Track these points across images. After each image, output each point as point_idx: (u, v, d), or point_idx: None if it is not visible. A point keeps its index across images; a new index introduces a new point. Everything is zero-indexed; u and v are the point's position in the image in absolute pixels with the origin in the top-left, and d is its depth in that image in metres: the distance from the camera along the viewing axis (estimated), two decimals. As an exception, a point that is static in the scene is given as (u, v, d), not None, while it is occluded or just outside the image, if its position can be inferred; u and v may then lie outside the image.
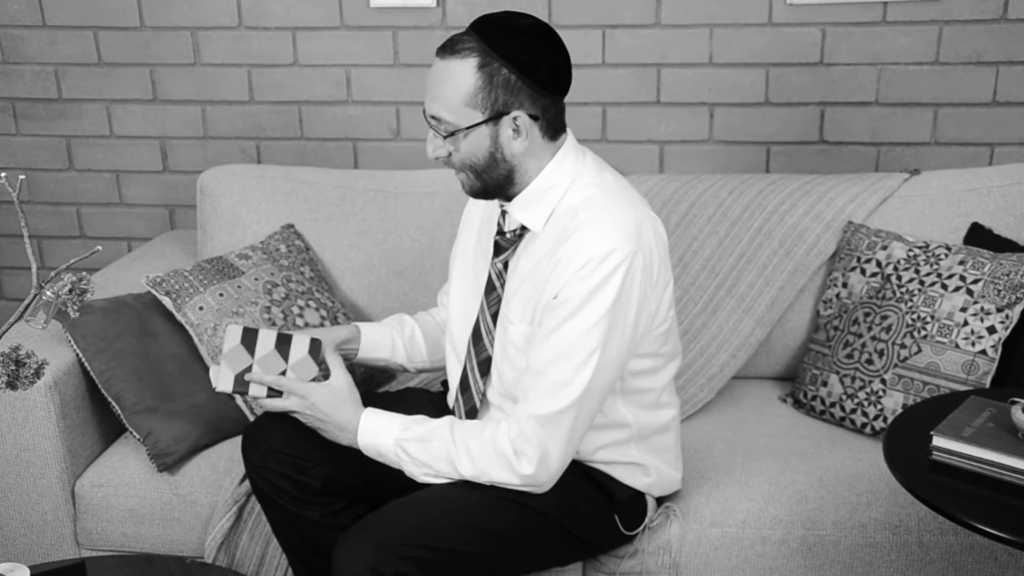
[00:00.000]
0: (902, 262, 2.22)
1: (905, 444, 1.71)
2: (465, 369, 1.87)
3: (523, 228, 1.78)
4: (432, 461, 1.75)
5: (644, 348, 1.78)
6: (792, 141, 2.65)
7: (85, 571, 1.69)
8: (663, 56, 2.62)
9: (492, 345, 1.83)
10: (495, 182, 1.75)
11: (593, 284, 1.66)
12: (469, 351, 1.86)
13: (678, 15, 2.58)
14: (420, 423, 1.77)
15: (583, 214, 1.71)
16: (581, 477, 1.82)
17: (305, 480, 1.85)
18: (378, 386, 2.38)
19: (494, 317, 1.83)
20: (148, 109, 2.87)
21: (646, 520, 1.92)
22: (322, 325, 2.31)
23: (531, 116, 1.69)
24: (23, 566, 1.62)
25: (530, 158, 1.73)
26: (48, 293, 1.43)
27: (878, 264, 2.24)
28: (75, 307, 1.43)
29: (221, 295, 2.25)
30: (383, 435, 1.77)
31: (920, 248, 2.23)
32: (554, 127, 1.74)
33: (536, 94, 1.69)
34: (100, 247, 1.56)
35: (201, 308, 2.22)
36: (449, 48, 1.69)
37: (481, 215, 1.92)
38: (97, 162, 2.95)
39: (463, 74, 1.67)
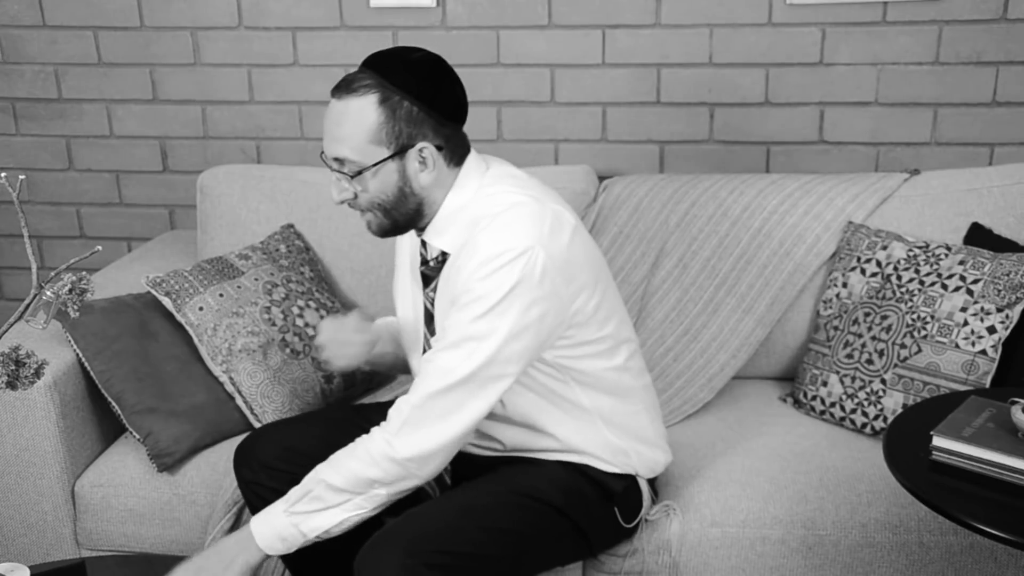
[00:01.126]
0: (902, 262, 2.22)
1: (905, 444, 1.71)
2: None
3: (443, 254, 1.77)
4: (332, 499, 1.70)
5: (581, 336, 1.75)
6: (792, 141, 2.65)
7: (85, 571, 1.69)
8: (663, 56, 2.62)
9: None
10: (405, 217, 1.74)
11: (483, 276, 1.64)
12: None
13: (678, 15, 2.58)
14: (291, 492, 1.73)
15: (484, 222, 1.70)
16: (576, 474, 1.82)
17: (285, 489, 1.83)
18: (378, 386, 2.38)
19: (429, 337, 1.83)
20: (148, 109, 2.87)
21: (643, 512, 1.92)
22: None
23: (436, 147, 1.69)
24: (23, 566, 1.62)
25: (437, 188, 1.72)
26: (48, 293, 1.43)
27: (878, 264, 2.24)
28: (75, 307, 1.43)
29: (221, 295, 2.25)
30: (273, 521, 1.71)
31: (920, 248, 2.23)
32: (458, 154, 1.74)
33: (438, 124, 1.69)
34: (100, 247, 1.56)
35: (201, 308, 2.22)
36: (345, 87, 1.67)
37: (409, 248, 1.89)
38: (97, 162, 2.95)
39: (364, 111, 1.65)
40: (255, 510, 1.88)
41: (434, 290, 1.80)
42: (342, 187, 1.71)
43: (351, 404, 2.21)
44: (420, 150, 1.68)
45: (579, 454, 1.83)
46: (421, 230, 1.78)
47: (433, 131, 1.69)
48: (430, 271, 1.80)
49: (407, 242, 1.90)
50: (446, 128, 1.70)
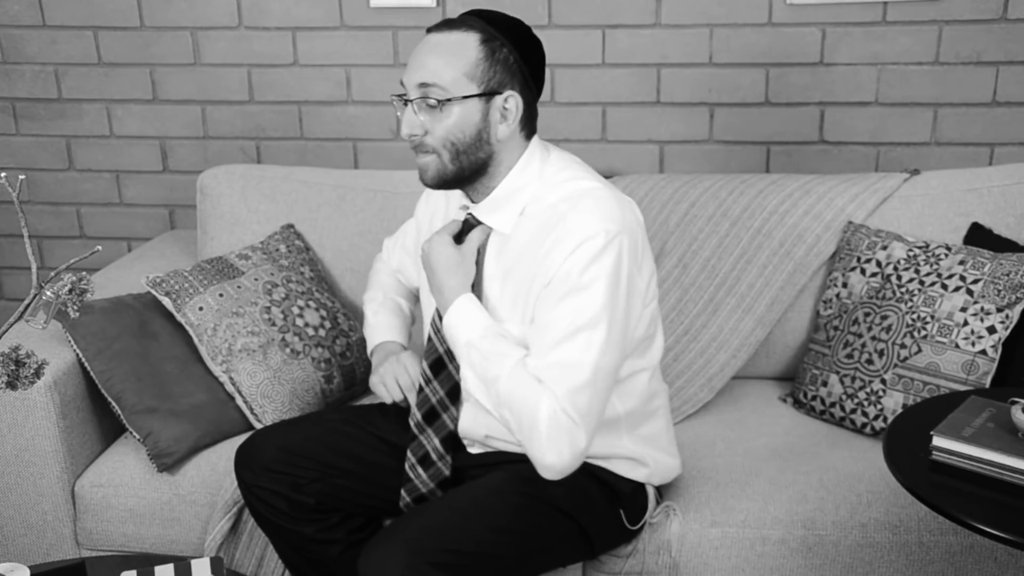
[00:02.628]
0: (902, 262, 2.22)
1: (905, 444, 1.71)
2: (437, 351, 1.85)
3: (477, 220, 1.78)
4: (486, 383, 1.71)
5: (636, 332, 1.77)
6: (792, 141, 2.65)
7: (85, 571, 1.69)
8: (663, 56, 2.62)
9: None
10: (471, 167, 1.72)
11: (583, 264, 1.64)
12: (437, 332, 1.86)
13: (678, 15, 2.58)
14: (496, 339, 1.72)
15: (563, 205, 1.70)
16: (585, 474, 1.82)
17: (298, 497, 1.84)
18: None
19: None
20: (148, 109, 2.87)
21: (647, 514, 1.92)
22: (322, 325, 2.31)
23: (523, 102, 1.70)
24: (23, 566, 1.62)
25: (506, 150, 1.72)
26: (48, 293, 1.43)
27: (878, 264, 2.24)
28: (75, 307, 1.43)
29: (221, 295, 2.25)
30: (462, 330, 1.73)
31: (920, 248, 2.23)
32: (530, 125, 1.75)
33: (526, 82, 1.70)
34: (100, 247, 1.56)
35: (201, 308, 2.22)
36: (447, 24, 1.69)
37: (436, 214, 1.91)
38: (97, 162, 2.95)
39: (465, 44, 1.66)
40: (256, 513, 1.88)
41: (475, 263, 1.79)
42: (416, 120, 1.68)
43: (350, 405, 2.21)
44: (506, 99, 1.68)
45: (591, 457, 1.82)
46: (470, 191, 1.77)
47: (521, 86, 1.70)
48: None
49: (432, 210, 1.92)
50: (530, 91, 1.72)
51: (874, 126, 2.60)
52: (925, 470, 1.66)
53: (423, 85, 1.67)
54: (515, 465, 1.80)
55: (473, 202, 1.79)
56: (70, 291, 1.43)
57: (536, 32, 1.76)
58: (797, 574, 1.94)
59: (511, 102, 1.69)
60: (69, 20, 2.81)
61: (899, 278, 2.20)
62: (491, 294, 1.78)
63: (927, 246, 2.23)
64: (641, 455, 1.85)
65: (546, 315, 1.68)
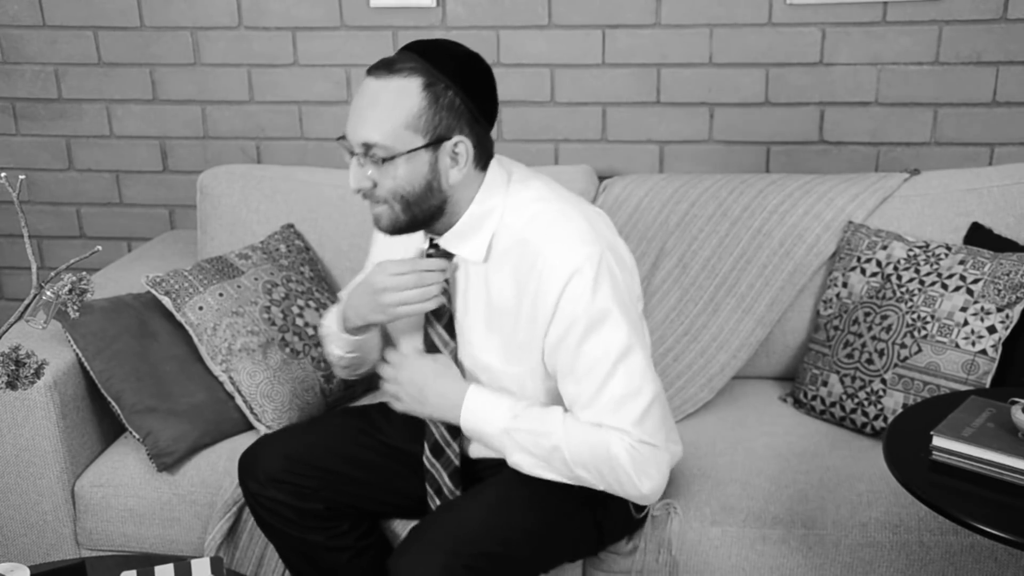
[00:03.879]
0: (902, 262, 2.22)
1: (905, 444, 1.71)
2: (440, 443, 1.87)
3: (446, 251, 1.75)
4: (547, 458, 1.68)
5: None
6: (792, 141, 2.65)
7: (85, 571, 1.69)
8: (663, 56, 2.62)
9: (456, 357, 1.82)
10: (424, 214, 1.67)
11: (587, 298, 1.62)
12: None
13: (678, 15, 2.58)
14: (529, 413, 1.69)
15: (535, 238, 1.66)
16: None
17: (306, 505, 1.83)
18: (378, 386, 2.38)
19: (453, 337, 1.80)
20: (148, 109, 2.87)
21: (650, 506, 1.92)
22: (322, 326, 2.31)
23: (471, 143, 1.64)
24: (23, 566, 1.62)
25: (463, 188, 1.67)
26: (48, 293, 1.43)
27: (878, 264, 2.24)
28: (75, 307, 1.43)
29: (221, 295, 2.25)
30: (490, 421, 1.70)
31: (920, 248, 2.23)
32: (485, 157, 1.69)
33: (474, 120, 1.64)
34: (100, 247, 1.56)
35: (201, 308, 2.22)
36: (386, 67, 1.61)
37: (402, 248, 1.84)
38: (97, 162, 2.95)
39: (406, 93, 1.59)
40: (262, 522, 1.87)
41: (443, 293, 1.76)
42: (362, 175, 1.63)
43: (350, 407, 2.19)
44: (455, 144, 1.62)
45: None
46: (435, 232, 1.73)
47: (469, 127, 1.63)
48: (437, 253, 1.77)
49: (387, 242, 1.87)
50: (479, 127, 1.65)
51: (874, 126, 2.60)
52: (925, 470, 1.66)
53: (365, 144, 1.61)
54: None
55: (437, 234, 1.75)
56: (70, 291, 1.43)
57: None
58: (797, 574, 1.94)
59: (460, 147, 1.63)
60: (69, 20, 2.81)
61: (899, 278, 2.20)
62: (473, 331, 1.77)
63: (927, 246, 2.23)
64: None
65: (575, 362, 1.66)
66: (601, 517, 1.83)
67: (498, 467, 1.81)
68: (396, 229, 1.70)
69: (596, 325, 1.63)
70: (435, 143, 1.61)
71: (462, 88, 1.61)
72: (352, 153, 1.65)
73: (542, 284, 1.64)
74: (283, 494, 1.82)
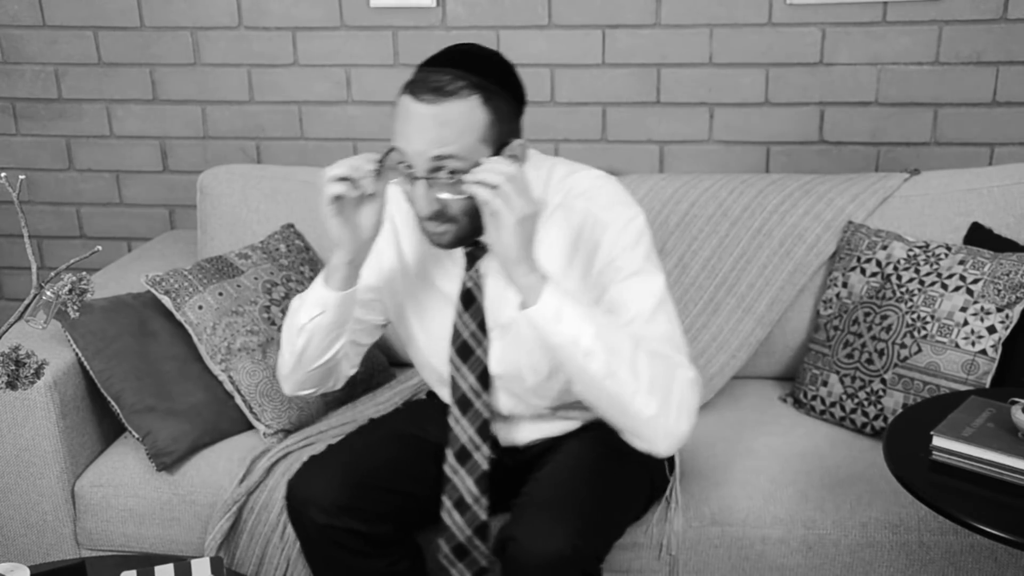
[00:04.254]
0: (902, 262, 2.22)
1: (905, 444, 1.71)
2: (460, 387, 1.81)
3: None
4: (617, 350, 1.56)
5: None
6: (792, 141, 2.65)
7: (85, 571, 1.69)
8: (663, 56, 2.62)
9: (487, 355, 1.78)
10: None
11: (631, 247, 1.66)
12: (458, 369, 1.80)
13: (678, 15, 2.58)
14: (606, 314, 1.63)
15: (582, 203, 1.70)
16: None
17: (376, 531, 1.77)
18: (377, 386, 2.38)
19: (481, 327, 1.77)
20: (148, 109, 2.87)
21: (676, 467, 1.97)
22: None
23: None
24: (23, 566, 1.62)
25: None
26: (48, 293, 1.43)
27: (878, 264, 2.24)
28: (75, 307, 1.43)
29: (220, 294, 2.25)
30: (578, 302, 1.57)
31: (920, 248, 2.23)
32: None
33: (519, 117, 1.66)
34: (100, 247, 1.56)
35: (200, 307, 2.22)
36: (440, 92, 1.55)
37: (398, 236, 1.82)
38: (97, 162, 2.95)
39: (472, 112, 1.56)
40: (320, 555, 1.78)
41: (477, 269, 1.75)
42: (432, 197, 1.58)
43: (375, 419, 2.05)
44: (515, 146, 1.63)
45: None
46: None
47: (519, 126, 1.65)
48: (479, 251, 1.74)
49: (390, 232, 1.82)
50: (520, 119, 1.67)
51: (874, 126, 2.60)
52: (925, 470, 1.66)
53: (440, 158, 1.56)
54: (587, 433, 1.83)
55: None
56: (70, 291, 1.43)
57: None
58: (797, 574, 1.94)
59: (518, 148, 1.63)
60: (69, 20, 2.81)
61: (899, 278, 2.20)
62: (493, 296, 1.75)
63: (927, 246, 2.23)
64: None
65: (619, 297, 1.64)
66: (652, 475, 1.88)
67: (540, 454, 1.83)
68: (460, 242, 1.68)
69: (640, 271, 1.65)
70: (498, 151, 1.61)
71: (509, 92, 1.62)
72: (414, 178, 1.59)
73: (595, 238, 1.67)
74: (356, 522, 1.74)
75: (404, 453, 1.87)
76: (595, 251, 1.67)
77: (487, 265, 1.75)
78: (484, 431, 1.81)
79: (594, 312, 1.59)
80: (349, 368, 1.88)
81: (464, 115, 1.56)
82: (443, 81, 1.56)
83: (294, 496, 1.78)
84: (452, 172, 1.56)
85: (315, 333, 1.74)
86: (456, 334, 1.78)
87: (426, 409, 1.99)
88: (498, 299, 1.75)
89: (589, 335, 1.54)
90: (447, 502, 1.83)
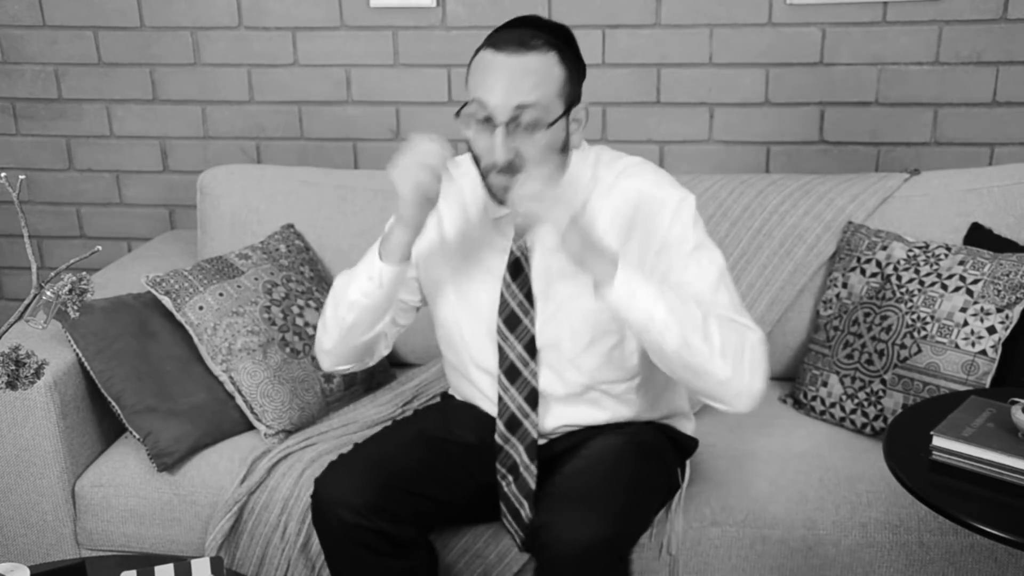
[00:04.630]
0: (902, 262, 2.22)
1: (905, 444, 1.71)
2: (508, 357, 1.82)
3: None
4: (691, 324, 1.63)
5: None
6: (792, 141, 2.65)
7: (85, 571, 1.69)
8: (663, 56, 2.62)
9: (533, 324, 1.80)
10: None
11: (690, 225, 1.73)
12: (506, 339, 1.81)
13: (678, 15, 2.58)
14: (674, 288, 1.69)
15: (634, 184, 1.76)
16: (656, 430, 1.91)
17: (400, 532, 1.76)
18: (378, 386, 2.38)
19: (528, 297, 1.80)
20: (148, 109, 2.87)
21: (687, 468, 1.99)
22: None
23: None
24: (23, 566, 1.62)
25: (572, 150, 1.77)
26: (48, 293, 1.43)
27: (878, 264, 2.24)
28: (75, 307, 1.43)
29: (221, 295, 2.25)
30: (649, 282, 1.64)
31: (920, 248, 2.23)
32: None
33: (582, 84, 1.74)
34: (100, 247, 1.56)
35: (201, 308, 2.22)
36: (521, 44, 1.64)
37: (439, 213, 1.84)
38: (97, 162, 2.95)
39: (551, 66, 1.66)
40: (346, 555, 1.77)
41: (525, 240, 1.78)
42: (510, 144, 1.65)
43: (398, 421, 2.07)
44: (580, 109, 1.72)
45: (662, 417, 1.93)
46: None
47: (581, 92, 1.74)
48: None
49: (458, 195, 1.84)
50: (582, 89, 1.75)
51: (874, 126, 2.60)
52: (925, 470, 1.66)
53: (522, 107, 1.64)
54: (617, 430, 1.85)
55: None
56: (70, 291, 1.43)
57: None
58: (797, 574, 1.94)
59: (581, 112, 1.72)
60: (69, 20, 2.81)
61: (899, 278, 2.20)
62: (565, 283, 1.77)
63: (927, 246, 2.23)
64: (688, 411, 1.99)
65: (683, 274, 1.71)
66: (669, 476, 1.90)
67: (565, 450, 1.85)
68: None
69: (701, 246, 1.73)
70: (567, 110, 1.69)
71: (576, 58, 1.71)
72: (495, 125, 1.65)
73: (650, 216, 1.73)
74: (384, 522, 1.74)
75: (430, 456, 1.86)
76: (654, 229, 1.73)
77: (534, 236, 1.78)
78: (532, 399, 1.83)
79: (663, 288, 1.65)
80: (384, 348, 1.94)
81: (544, 68, 1.65)
82: (525, 35, 1.66)
83: (322, 495, 1.76)
84: (529, 124, 1.65)
85: (367, 308, 1.79)
86: (504, 304, 1.80)
87: (447, 411, 1.98)
88: (544, 269, 1.79)
89: (662, 311, 1.62)
90: (501, 468, 1.85)
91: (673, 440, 1.94)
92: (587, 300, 1.74)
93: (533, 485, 1.84)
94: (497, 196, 1.71)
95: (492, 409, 1.88)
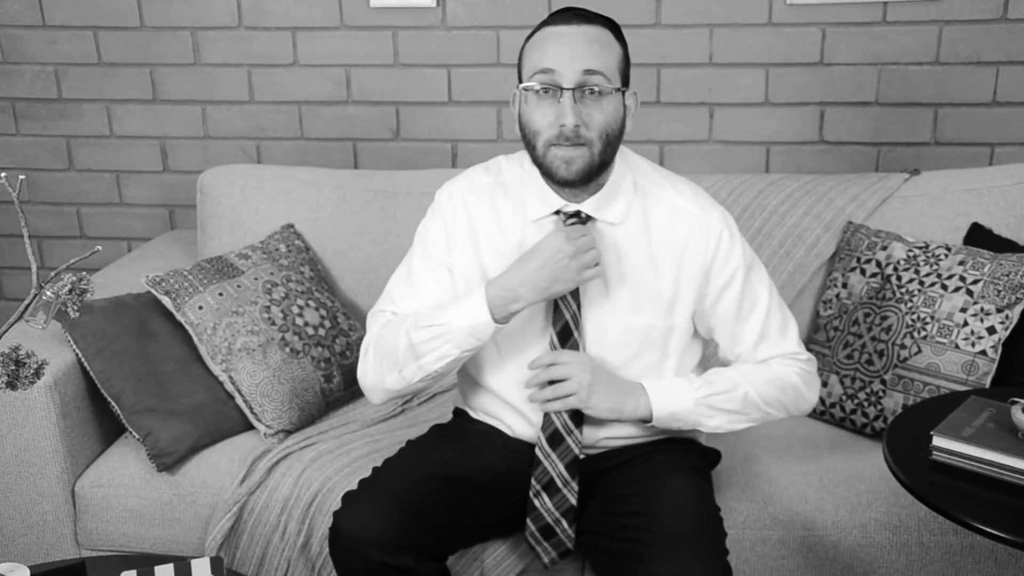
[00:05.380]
0: (902, 262, 2.22)
1: (905, 444, 1.71)
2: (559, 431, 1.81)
3: (588, 216, 1.77)
4: (745, 409, 1.80)
5: None
6: (792, 141, 2.65)
7: (85, 571, 1.69)
8: (663, 56, 2.62)
9: (583, 337, 1.79)
10: (608, 161, 1.73)
11: (739, 248, 1.80)
12: (556, 349, 1.78)
13: (678, 15, 2.58)
14: (705, 380, 1.80)
15: (670, 198, 1.79)
16: (685, 444, 1.92)
17: (424, 567, 1.71)
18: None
19: (579, 307, 1.78)
20: (148, 109, 2.87)
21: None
22: (321, 325, 2.31)
23: None
24: (23, 566, 1.62)
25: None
26: (48, 293, 1.43)
27: (878, 264, 2.24)
28: (75, 307, 1.43)
29: (221, 295, 2.25)
30: (680, 398, 1.77)
31: (920, 248, 2.23)
32: None
33: (629, 70, 1.77)
34: (100, 247, 1.56)
35: (201, 308, 2.22)
36: (584, 17, 1.69)
37: (476, 240, 1.83)
38: (97, 162, 2.95)
39: (610, 39, 1.70)
40: None
41: None
42: (578, 109, 1.66)
43: (424, 438, 1.96)
44: (631, 94, 1.75)
45: (687, 432, 1.92)
46: (577, 195, 1.75)
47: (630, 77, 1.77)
48: (581, 223, 1.76)
49: (464, 216, 1.83)
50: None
51: (874, 126, 2.60)
52: (925, 470, 1.66)
53: (589, 72, 1.66)
54: (639, 457, 1.85)
55: (569, 200, 1.77)
56: (70, 291, 1.43)
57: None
58: (797, 574, 1.94)
59: (631, 99, 1.75)
60: (69, 20, 2.81)
61: (899, 278, 2.20)
62: (601, 292, 1.78)
63: (927, 246, 2.23)
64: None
65: (741, 302, 1.80)
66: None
67: (606, 459, 1.85)
68: (586, 174, 1.71)
69: (751, 268, 1.81)
70: (622, 89, 1.71)
71: (625, 44, 1.74)
72: (561, 89, 1.66)
73: (694, 238, 1.78)
74: (409, 558, 1.67)
75: (456, 486, 1.79)
76: (703, 255, 1.78)
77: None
78: (578, 416, 1.81)
79: (700, 389, 1.77)
80: None
81: (605, 39, 1.69)
82: (581, 12, 1.71)
83: (344, 529, 1.68)
84: (595, 91, 1.66)
85: (460, 359, 1.78)
86: (559, 315, 1.79)
87: (471, 436, 1.92)
88: (612, 284, 1.80)
89: (705, 416, 1.78)
90: (536, 485, 1.81)
91: (703, 455, 1.93)
92: (634, 315, 1.79)
93: (574, 501, 1.80)
94: (556, 174, 1.71)
95: (520, 425, 1.86)
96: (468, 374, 1.92)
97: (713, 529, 1.71)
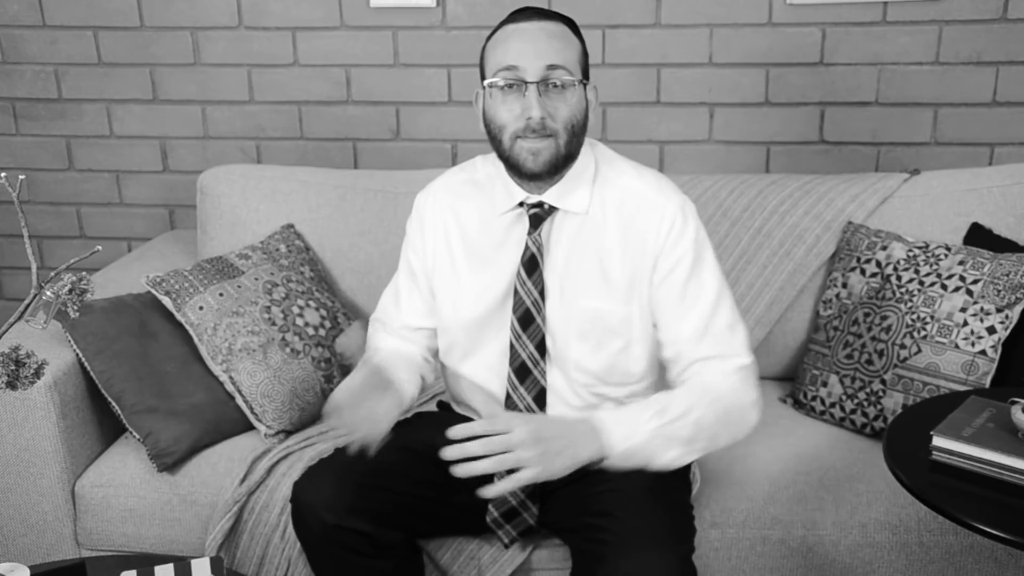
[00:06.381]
0: (902, 262, 2.22)
1: (905, 444, 1.71)
2: (519, 356, 1.81)
3: (551, 206, 1.79)
4: (694, 437, 1.70)
5: None
6: (792, 141, 2.65)
7: (85, 571, 1.69)
8: (663, 56, 2.62)
9: (545, 323, 1.80)
10: (574, 153, 1.76)
11: (690, 234, 1.75)
12: (519, 337, 1.80)
13: (678, 15, 2.58)
14: (659, 404, 1.70)
15: (635, 184, 1.79)
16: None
17: (381, 533, 1.75)
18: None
19: (542, 295, 1.79)
20: (148, 109, 2.87)
21: (695, 487, 1.99)
22: (322, 325, 2.31)
23: None
24: (23, 566, 1.62)
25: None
26: (48, 293, 1.43)
27: (878, 264, 2.24)
28: (75, 307, 1.43)
29: (221, 295, 2.25)
30: (637, 431, 1.66)
31: (920, 248, 2.23)
32: None
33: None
34: (100, 247, 1.56)
35: (201, 308, 2.22)
36: (542, 14, 1.74)
37: (447, 232, 1.87)
38: (97, 162, 2.95)
39: (569, 33, 1.74)
40: (332, 556, 1.75)
41: (540, 234, 1.79)
42: (544, 102, 1.70)
43: (405, 423, 1.95)
44: (591, 88, 1.77)
45: None
46: (540, 186, 1.77)
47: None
48: (544, 213, 1.79)
49: (443, 212, 1.87)
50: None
51: (874, 126, 2.60)
52: (925, 470, 1.66)
53: (552, 67, 1.69)
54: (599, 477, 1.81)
55: (532, 193, 1.79)
56: (70, 291, 1.43)
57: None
58: (797, 574, 1.94)
59: (592, 93, 1.77)
60: (69, 20, 2.81)
61: (899, 278, 2.20)
62: (579, 281, 1.79)
63: (927, 246, 2.23)
64: None
65: (685, 291, 1.75)
66: (687, 471, 1.91)
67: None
68: (553, 165, 1.74)
69: (702, 259, 1.77)
70: (583, 83, 1.75)
71: (583, 40, 1.78)
72: (525, 84, 1.70)
73: (649, 222, 1.76)
74: (363, 522, 1.72)
75: (410, 456, 1.83)
76: (652, 239, 1.76)
77: (549, 229, 1.80)
78: (541, 399, 1.83)
79: (650, 423, 1.67)
80: (431, 371, 1.99)
81: (565, 34, 1.73)
82: (538, 10, 1.75)
83: (301, 498, 1.75)
84: (559, 84, 1.70)
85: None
86: (519, 301, 1.80)
87: (442, 419, 1.91)
88: (561, 263, 1.80)
89: (660, 449, 1.68)
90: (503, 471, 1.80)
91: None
92: (596, 301, 1.77)
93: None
94: (524, 166, 1.73)
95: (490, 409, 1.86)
96: (446, 365, 1.96)
97: (678, 526, 1.70)
